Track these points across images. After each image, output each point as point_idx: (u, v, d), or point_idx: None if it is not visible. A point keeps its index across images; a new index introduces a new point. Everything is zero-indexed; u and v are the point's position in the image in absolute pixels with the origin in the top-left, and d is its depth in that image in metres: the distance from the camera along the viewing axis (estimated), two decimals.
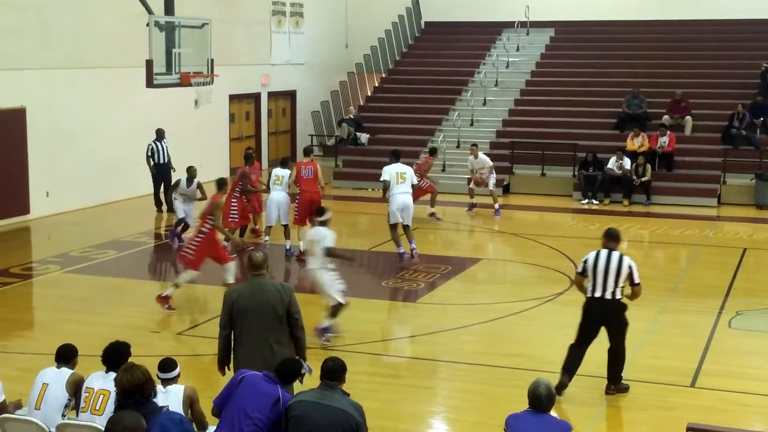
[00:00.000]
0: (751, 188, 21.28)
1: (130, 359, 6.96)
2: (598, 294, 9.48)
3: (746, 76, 24.75)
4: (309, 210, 14.77)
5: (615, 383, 9.77)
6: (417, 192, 17.54)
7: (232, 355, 7.86)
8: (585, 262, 9.55)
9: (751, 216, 20.27)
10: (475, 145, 20.96)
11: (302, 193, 15.62)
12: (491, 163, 20.42)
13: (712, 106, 23.98)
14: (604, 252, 9.50)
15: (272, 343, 7.67)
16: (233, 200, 15.77)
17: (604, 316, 9.58)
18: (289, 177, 15.82)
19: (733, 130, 22.45)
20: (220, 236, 13.08)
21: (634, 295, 9.68)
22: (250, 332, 7.69)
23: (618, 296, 9.51)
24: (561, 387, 9.41)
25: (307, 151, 16.66)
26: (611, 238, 9.67)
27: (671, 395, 9.83)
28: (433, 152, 20.36)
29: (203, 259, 12.71)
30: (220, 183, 13.43)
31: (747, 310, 12.82)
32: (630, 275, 9.49)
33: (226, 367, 7.87)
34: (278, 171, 16.15)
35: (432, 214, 19.19)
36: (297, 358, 7.09)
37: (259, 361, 7.53)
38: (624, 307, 9.62)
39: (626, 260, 9.51)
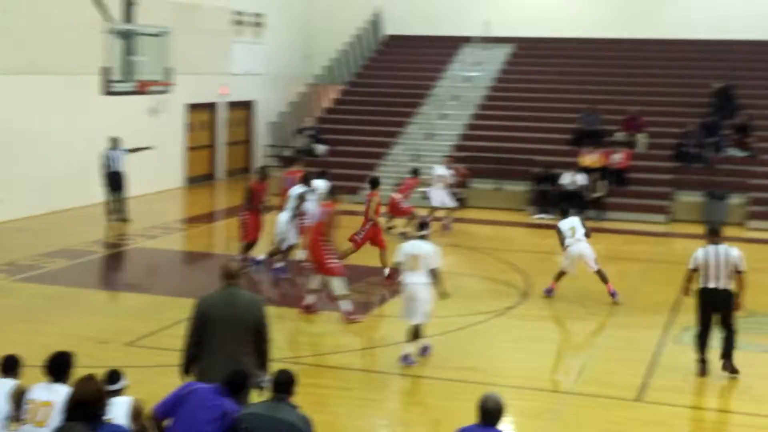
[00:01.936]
0: (701, 205, 21.58)
1: (75, 370, 6.89)
2: (711, 285, 10.59)
3: (699, 95, 25.15)
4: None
5: (730, 359, 10.75)
6: (397, 212, 17.74)
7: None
8: (696, 259, 10.65)
9: (700, 233, 20.43)
10: (448, 156, 21.10)
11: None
12: (445, 173, 20.72)
13: (665, 123, 24.33)
14: (711, 248, 10.63)
15: (240, 354, 7.65)
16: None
17: (719, 304, 10.66)
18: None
19: (685, 148, 22.79)
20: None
21: (740, 283, 10.62)
22: (220, 342, 7.65)
23: (729, 286, 10.61)
24: (705, 367, 10.73)
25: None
26: (716, 234, 10.83)
27: (617, 409, 9.94)
28: (415, 173, 20.06)
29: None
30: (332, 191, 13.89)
31: (693, 326, 12.96)
32: (736, 264, 10.58)
33: (187, 375, 7.83)
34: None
35: (402, 233, 18.98)
36: (243, 370, 7.06)
37: (223, 371, 7.51)
38: (734, 295, 10.67)
39: (734, 251, 10.65)
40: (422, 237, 11.22)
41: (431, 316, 11.16)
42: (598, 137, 23.61)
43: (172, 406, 6.58)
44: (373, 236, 15.44)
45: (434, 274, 11.04)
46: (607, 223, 21.21)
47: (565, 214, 14.49)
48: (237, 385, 6.69)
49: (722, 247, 10.71)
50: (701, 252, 10.70)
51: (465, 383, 10.44)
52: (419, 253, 11.09)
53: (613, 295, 14.00)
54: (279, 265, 15.45)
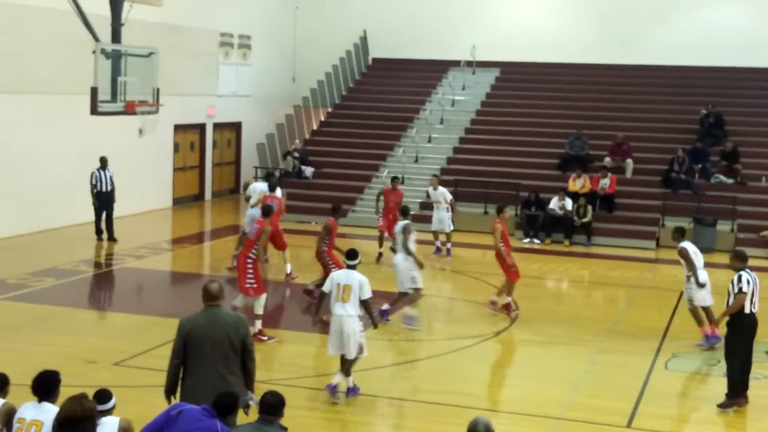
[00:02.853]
0: (689, 232, 21.64)
1: (62, 389, 6.84)
2: (754, 309, 10.76)
3: (686, 121, 25.35)
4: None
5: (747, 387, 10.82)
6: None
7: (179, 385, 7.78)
8: (748, 283, 10.66)
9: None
10: (435, 175, 20.99)
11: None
12: (450, 197, 20.16)
13: (652, 149, 24.48)
14: (744, 273, 10.75)
15: (225, 374, 7.69)
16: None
17: (756, 328, 10.81)
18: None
19: (672, 174, 22.92)
20: None
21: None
22: (203, 362, 7.66)
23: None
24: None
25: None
26: (745, 260, 10.99)
27: None
28: (395, 180, 19.99)
29: None
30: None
31: (683, 353, 13.01)
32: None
33: (172, 397, 7.78)
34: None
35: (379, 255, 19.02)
36: (232, 391, 7.03)
37: (210, 392, 7.49)
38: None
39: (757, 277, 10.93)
40: (353, 267, 10.67)
41: (362, 350, 10.60)
42: (585, 162, 23.71)
43: (161, 427, 6.54)
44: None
45: (365, 305, 10.55)
46: (594, 248, 21.28)
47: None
48: (226, 407, 6.65)
49: (753, 273, 10.93)
50: (745, 276, 10.73)
51: (454, 407, 10.42)
52: (350, 283, 10.41)
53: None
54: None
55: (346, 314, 10.35)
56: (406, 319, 13.88)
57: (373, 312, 10.85)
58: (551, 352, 13.73)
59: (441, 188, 20.16)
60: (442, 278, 18.47)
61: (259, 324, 12.65)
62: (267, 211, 13.70)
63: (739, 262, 10.98)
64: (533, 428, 10.11)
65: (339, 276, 10.55)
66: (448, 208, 19.93)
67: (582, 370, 11.96)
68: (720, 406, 10.61)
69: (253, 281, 12.66)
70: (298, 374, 11.34)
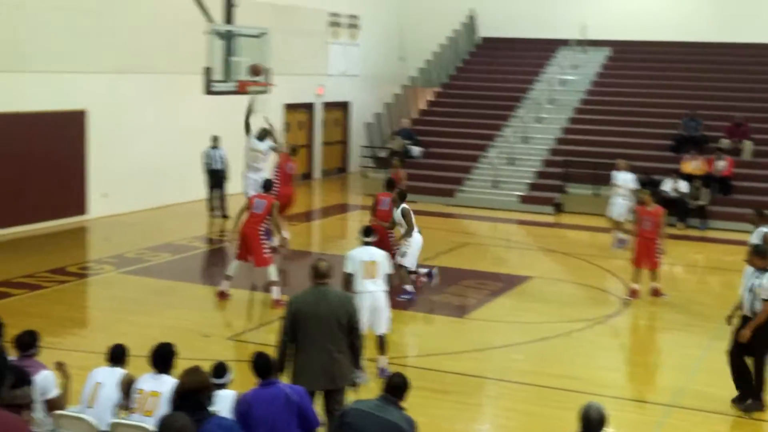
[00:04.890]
0: None
1: (179, 362, 7.03)
2: None
3: None
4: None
5: None
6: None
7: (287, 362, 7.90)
8: None
9: None
10: (623, 160, 19.41)
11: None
12: (633, 185, 18.68)
13: None
14: None
15: (333, 352, 7.79)
16: None
17: None
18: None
19: None
20: None
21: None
22: (312, 340, 7.77)
23: None
24: None
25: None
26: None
27: (721, 425, 9.68)
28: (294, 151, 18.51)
29: None
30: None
31: None
32: None
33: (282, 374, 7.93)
34: None
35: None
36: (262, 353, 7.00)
37: (318, 369, 7.64)
38: None
39: None
40: (369, 243, 10.55)
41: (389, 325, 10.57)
42: (700, 143, 23.04)
43: (244, 417, 6.65)
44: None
45: (389, 280, 10.53)
46: (710, 232, 20.69)
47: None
48: (265, 366, 6.77)
49: None
50: None
51: (562, 391, 10.31)
52: (374, 259, 10.34)
53: None
54: None
55: (379, 289, 10.29)
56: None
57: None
58: (664, 337, 13.48)
59: (627, 174, 18.80)
60: (551, 260, 18.26)
61: (277, 290, 13.17)
62: (268, 185, 14.14)
63: (760, 259, 9.75)
64: (645, 415, 9.92)
65: (360, 254, 10.36)
66: (628, 197, 18.47)
67: (696, 357, 11.66)
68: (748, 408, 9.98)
69: (269, 251, 13.36)
70: (408, 353, 11.38)
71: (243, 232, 13.48)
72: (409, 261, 13.79)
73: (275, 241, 15.34)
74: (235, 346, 11.69)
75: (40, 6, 17.55)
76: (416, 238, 13.80)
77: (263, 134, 17.47)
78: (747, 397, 9.94)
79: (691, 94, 25.60)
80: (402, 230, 13.79)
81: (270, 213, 13.41)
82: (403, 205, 13.72)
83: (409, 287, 13.78)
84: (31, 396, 7.00)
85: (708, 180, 21.69)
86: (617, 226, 18.35)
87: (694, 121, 23.59)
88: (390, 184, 14.71)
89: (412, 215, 13.73)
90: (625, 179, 18.69)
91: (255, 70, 16.07)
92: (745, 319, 9.85)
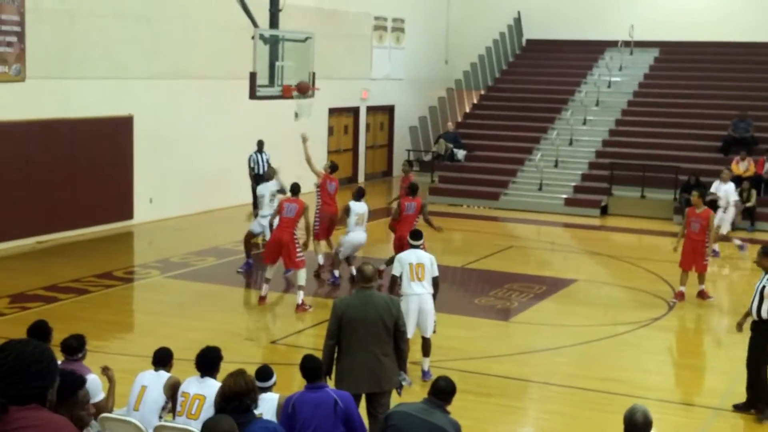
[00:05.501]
0: None
1: (222, 365, 7.09)
2: None
3: None
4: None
5: None
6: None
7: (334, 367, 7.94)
8: None
9: None
10: (728, 170, 19.04)
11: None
12: (736, 198, 18.52)
13: None
14: None
15: (379, 355, 7.82)
16: None
17: None
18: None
19: None
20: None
21: None
22: (358, 343, 7.80)
23: None
24: None
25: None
26: None
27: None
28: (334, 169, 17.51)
29: None
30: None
31: None
32: None
33: (327, 378, 7.95)
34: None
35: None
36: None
37: (364, 372, 7.66)
38: None
39: None
40: (416, 247, 10.52)
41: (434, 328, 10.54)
42: (750, 145, 22.70)
43: (289, 419, 6.71)
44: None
45: (435, 283, 10.47)
46: (758, 234, 20.37)
47: None
48: (313, 370, 6.88)
49: None
50: None
51: (607, 394, 10.22)
52: (422, 261, 10.34)
53: None
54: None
55: (426, 292, 10.33)
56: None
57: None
58: (710, 340, 13.31)
59: (728, 185, 18.36)
60: (597, 263, 18.11)
61: (302, 294, 13.34)
62: (296, 188, 14.34)
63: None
64: (691, 418, 9.81)
65: (408, 256, 10.38)
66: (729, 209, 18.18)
67: (743, 360, 11.47)
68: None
69: (302, 255, 13.50)
70: (451, 356, 11.36)
71: (276, 237, 13.61)
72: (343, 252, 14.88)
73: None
74: (279, 350, 11.76)
75: (90, 12, 17.84)
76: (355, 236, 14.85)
77: (270, 174, 16.76)
78: (752, 405, 9.73)
79: (740, 95, 25.24)
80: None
81: (301, 216, 13.60)
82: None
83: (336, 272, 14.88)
84: (88, 396, 7.08)
85: (757, 182, 21.35)
86: (725, 239, 17.72)
87: (743, 123, 23.26)
88: (413, 190, 14.75)
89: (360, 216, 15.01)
90: (727, 191, 18.27)
91: (302, 89, 16.11)
92: (754, 324, 9.70)
